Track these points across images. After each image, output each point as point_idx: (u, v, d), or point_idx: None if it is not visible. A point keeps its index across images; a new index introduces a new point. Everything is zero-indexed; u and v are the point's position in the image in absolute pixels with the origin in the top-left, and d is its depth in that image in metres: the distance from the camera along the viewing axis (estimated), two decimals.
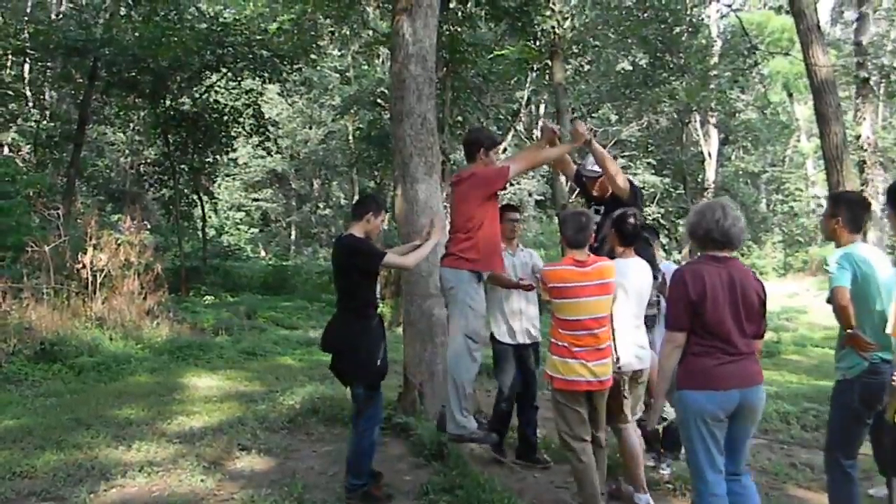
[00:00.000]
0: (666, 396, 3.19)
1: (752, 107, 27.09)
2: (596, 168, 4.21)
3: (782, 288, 20.64)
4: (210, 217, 21.71)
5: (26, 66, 16.63)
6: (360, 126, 20.76)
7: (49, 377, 7.22)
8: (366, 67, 21.15)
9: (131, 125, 19.76)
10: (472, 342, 3.74)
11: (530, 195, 25.57)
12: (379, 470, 4.04)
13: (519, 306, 4.54)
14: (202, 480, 4.17)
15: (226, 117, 16.73)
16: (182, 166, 17.46)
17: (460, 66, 14.56)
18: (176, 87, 15.48)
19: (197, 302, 13.55)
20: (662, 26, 15.89)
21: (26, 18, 15.93)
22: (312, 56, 16.39)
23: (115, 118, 18.87)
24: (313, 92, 23.39)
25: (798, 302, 18.92)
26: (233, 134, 17.40)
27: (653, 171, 24.57)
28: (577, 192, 16.53)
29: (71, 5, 17.01)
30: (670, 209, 25.42)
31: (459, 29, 13.75)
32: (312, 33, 16.09)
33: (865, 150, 16.47)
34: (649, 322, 4.07)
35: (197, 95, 16.45)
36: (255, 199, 28.80)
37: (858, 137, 16.65)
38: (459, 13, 13.49)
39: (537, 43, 14.68)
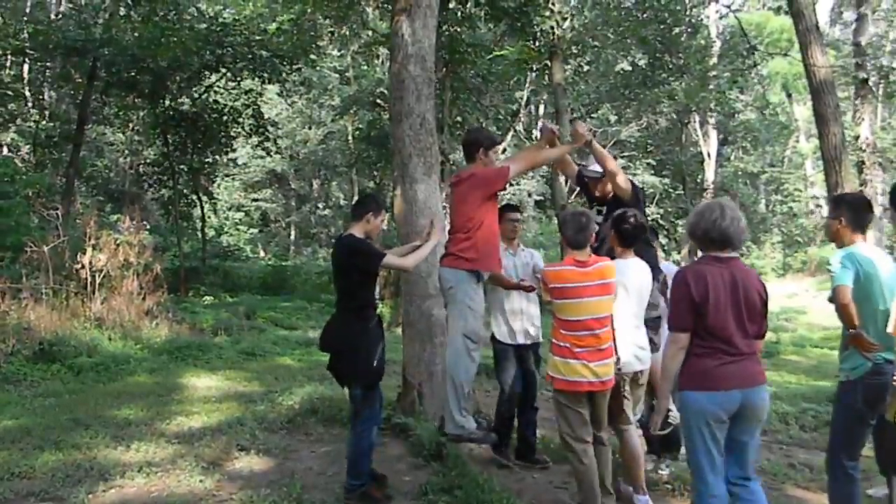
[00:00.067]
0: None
1: (751, 107, 27.13)
2: (598, 168, 4.20)
3: (781, 288, 20.65)
4: (209, 217, 21.71)
5: (25, 66, 16.63)
6: (360, 126, 20.76)
7: (48, 377, 7.22)
8: (365, 68, 21.15)
9: (131, 125, 19.75)
10: (470, 342, 3.73)
11: (530, 195, 25.59)
12: (378, 470, 4.04)
13: (520, 306, 4.52)
14: (201, 481, 4.17)
15: (225, 117, 16.73)
16: (181, 166, 17.45)
17: (460, 67, 14.56)
18: (175, 87, 15.47)
19: (196, 302, 13.54)
20: (662, 27, 15.91)
21: (25, 18, 15.94)
22: (312, 56, 16.40)
23: (114, 118, 18.87)
24: (313, 92, 23.39)
25: (797, 302, 18.94)
26: (232, 134, 17.40)
27: (652, 172, 24.59)
28: (576, 193, 16.60)
29: (70, 5, 17.00)
30: (669, 210, 25.44)
31: (459, 29, 13.76)
32: (312, 33, 16.10)
33: (864, 151, 16.49)
34: (654, 324, 4.07)
35: (196, 95, 16.45)
36: (255, 200, 28.80)
37: (857, 138, 16.67)
38: (459, 13, 13.49)
39: (536, 43, 14.68)
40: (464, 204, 3.86)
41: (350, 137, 22.41)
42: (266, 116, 18.40)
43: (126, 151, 22.84)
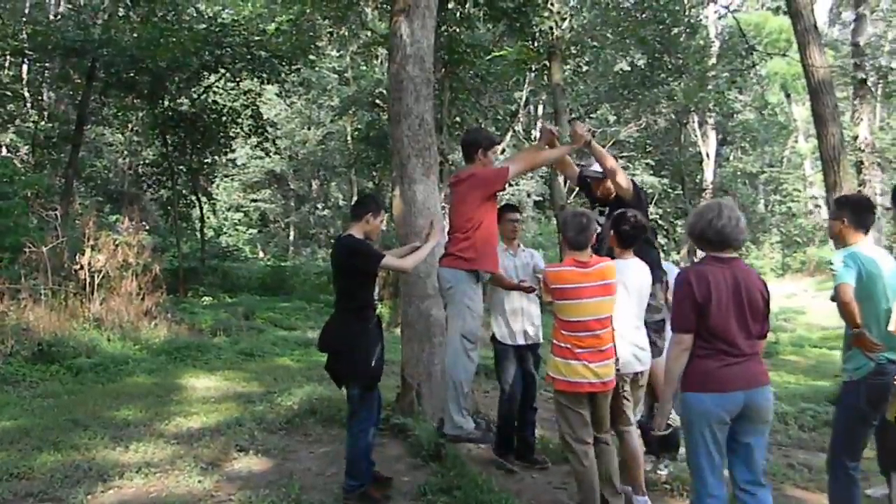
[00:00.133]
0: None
1: (749, 107, 27.17)
2: (598, 169, 4.20)
3: (780, 288, 20.64)
4: (208, 218, 21.71)
5: (24, 67, 16.65)
6: (359, 127, 20.76)
7: (47, 378, 7.21)
8: (364, 68, 21.15)
9: (130, 126, 19.74)
10: (467, 342, 3.73)
11: (529, 196, 25.60)
12: (377, 471, 4.05)
13: (520, 306, 4.50)
14: (200, 481, 4.17)
15: (224, 118, 16.73)
16: (180, 167, 17.45)
17: (458, 67, 14.55)
18: (174, 87, 15.46)
19: (195, 303, 13.54)
20: (661, 27, 15.92)
21: (24, 19, 15.91)
22: (311, 57, 16.39)
23: (113, 119, 18.86)
24: (312, 92, 23.38)
25: (796, 302, 18.96)
26: (231, 134, 17.40)
27: (651, 172, 24.60)
28: (575, 193, 16.61)
29: (69, 6, 17.00)
30: (668, 210, 25.45)
31: (457, 30, 13.75)
32: (311, 34, 16.09)
33: (863, 151, 16.48)
34: (657, 326, 4.06)
35: (195, 96, 16.44)
36: (254, 200, 28.81)
37: (856, 138, 16.66)
38: (458, 14, 13.49)
39: (535, 44, 14.69)
40: (463, 204, 3.86)
41: (349, 138, 22.41)
42: (265, 117, 18.39)
43: (125, 152, 22.83)
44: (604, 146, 4.59)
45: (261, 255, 25.96)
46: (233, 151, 20.89)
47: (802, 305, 18.43)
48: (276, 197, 30.01)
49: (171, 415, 5.77)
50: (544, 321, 4.65)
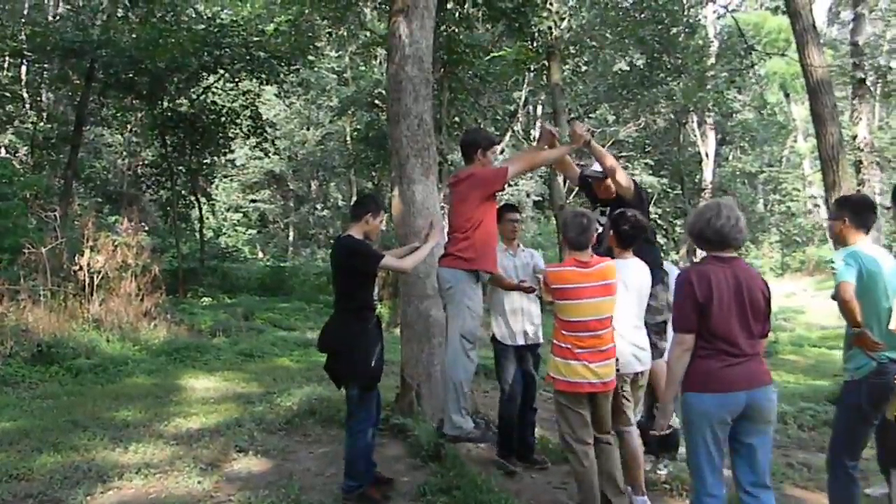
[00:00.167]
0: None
1: (749, 107, 27.17)
2: (600, 169, 4.20)
3: (779, 288, 20.62)
4: (208, 218, 21.70)
5: (23, 68, 16.61)
6: (358, 127, 20.76)
7: (46, 379, 7.20)
8: (363, 68, 21.15)
9: (129, 126, 19.74)
10: (467, 342, 3.73)
11: (528, 196, 25.61)
12: (380, 472, 4.05)
13: (521, 305, 4.50)
14: (199, 482, 4.17)
15: (223, 118, 16.72)
16: (180, 168, 17.44)
17: (457, 67, 14.55)
18: (173, 88, 15.45)
19: (194, 303, 13.54)
20: (659, 27, 15.91)
21: (23, 20, 15.90)
22: (310, 57, 16.39)
23: (112, 120, 18.84)
24: (311, 93, 23.39)
25: (795, 302, 18.98)
26: (230, 135, 17.39)
27: (650, 172, 24.60)
28: (574, 193, 16.62)
29: (68, 7, 17.01)
30: (667, 210, 25.45)
31: (456, 30, 13.75)
32: (310, 34, 16.09)
33: (862, 151, 16.50)
34: (659, 328, 4.05)
35: (194, 97, 16.44)
36: (253, 201, 28.79)
37: (855, 138, 16.67)
38: (456, 14, 13.49)
39: (534, 44, 14.69)
40: (462, 204, 3.86)
41: (348, 138, 22.40)
42: (264, 117, 18.39)
43: (124, 153, 22.82)
44: (603, 146, 4.59)
45: (260, 255, 25.95)
46: (232, 152, 20.87)
47: (802, 305, 18.45)
48: (275, 197, 30.00)
49: (171, 415, 5.77)
50: (544, 321, 4.65)
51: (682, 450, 4.25)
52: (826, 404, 6.41)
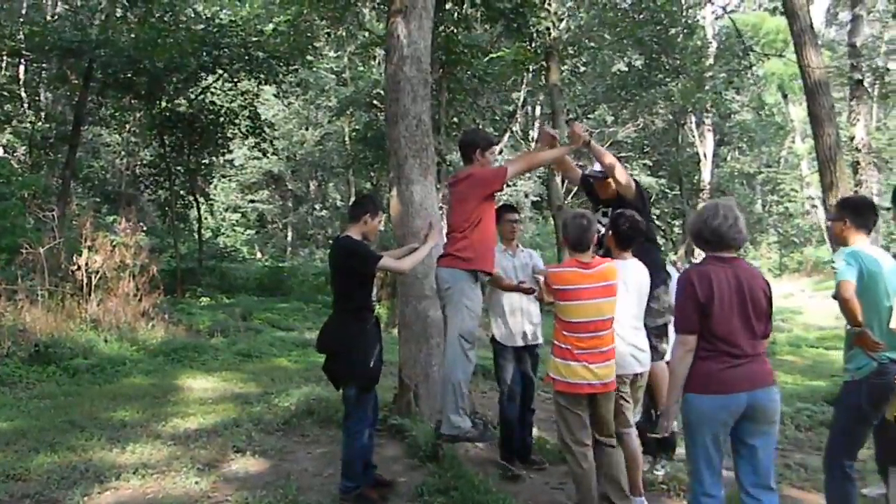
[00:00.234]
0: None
1: (747, 108, 27.17)
2: (601, 169, 4.20)
3: (778, 288, 20.37)
4: (206, 219, 21.68)
5: (21, 68, 16.60)
6: (357, 127, 20.76)
7: (43, 379, 7.19)
8: (362, 69, 21.14)
9: (127, 126, 19.70)
10: (465, 342, 3.73)
11: (526, 196, 25.61)
12: (380, 474, 4.05)
13: (520, 305, 4.50)
14: (196, 482, 4.17)
15: (222, 119, 16.71)
16: (178, 168, 17.42)
17: (456, 68, 14.56)
18: (172, 88, 15.44)
19: (192, 303, 13.52)
20: (658, 28, 15.91)
21: (21, 20, 15.86)
22: (308, 57, 16.38)
23: (110, 119, 18.81)
24: (309, 93, 23.36)
25: (793, 302, 18.99)
26: (229, 135, 17.39)
27: (649, 173, 24.63)
28: (573, 194, 16.61)
29: (66, 6, 16.98)
30: (666, 210, 25.47)
31: (455, 30, 13.76)
32: (308, 35, 16.07)
33: (859, 151, 16.50)
34: (659, 331, 4.05)
35: (193, 97, 16.42)
36: (252, 201, 28.78)
37: (852, 139, 16.68)
38: (455, 14, 13.50)
39: (533, 44, 14.69)
40: (461, 204, 3.86)
41: (347, 138, 22.40)
42: (263, 117, 18.37)
43: (122, 153, 22.78)
44: (602, 147, 4.59)
45: (258, 255, 25.94)
46: (230, 152, 20.86)
47: (800, 305, 18.47)
48: (273, 197, 29.98)
49: (168, 416, 5.77)
50: (544, 321, 4.66)
51: (679, 450, 4.26)
52: (823, 405, 6.42)
